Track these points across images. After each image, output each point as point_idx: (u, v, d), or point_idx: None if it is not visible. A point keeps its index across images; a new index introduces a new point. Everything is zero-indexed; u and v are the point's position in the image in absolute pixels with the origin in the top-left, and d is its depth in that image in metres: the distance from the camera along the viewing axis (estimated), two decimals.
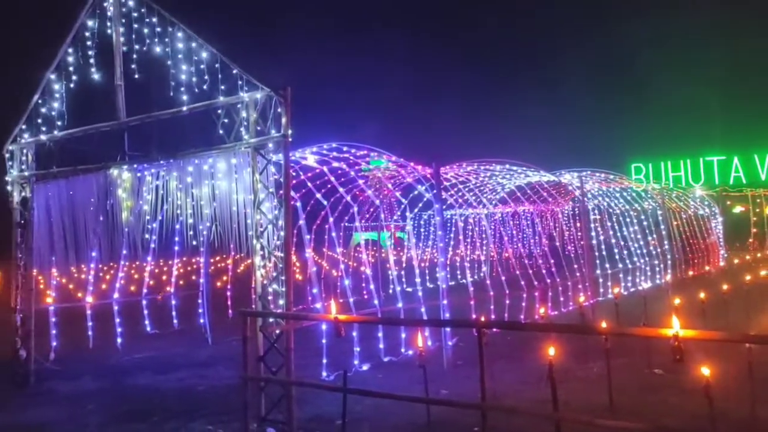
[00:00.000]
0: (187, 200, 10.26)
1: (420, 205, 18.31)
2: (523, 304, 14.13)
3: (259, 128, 8.07)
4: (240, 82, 7.99)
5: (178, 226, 11.56)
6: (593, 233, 18.95)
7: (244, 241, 8.86)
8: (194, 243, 11.34)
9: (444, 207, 14.62)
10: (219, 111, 8.28)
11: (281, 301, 7.74)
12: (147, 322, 14.60)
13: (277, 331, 7.62)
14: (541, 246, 25.03)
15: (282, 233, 7.86)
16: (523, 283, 14.63)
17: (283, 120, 7.83)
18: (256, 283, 8.00)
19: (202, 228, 10.88)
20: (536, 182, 18.46)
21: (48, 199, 10.66)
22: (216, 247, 11.60)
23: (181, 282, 17.71)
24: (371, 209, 21.59)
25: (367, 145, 11.56)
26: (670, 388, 8.19)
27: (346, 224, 19.86)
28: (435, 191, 11.67)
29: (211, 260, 15.85)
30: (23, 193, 10.78)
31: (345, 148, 11.40)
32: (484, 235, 25.13)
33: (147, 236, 11.30)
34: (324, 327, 9.86)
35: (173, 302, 15.36)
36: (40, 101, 10.37)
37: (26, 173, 10.72)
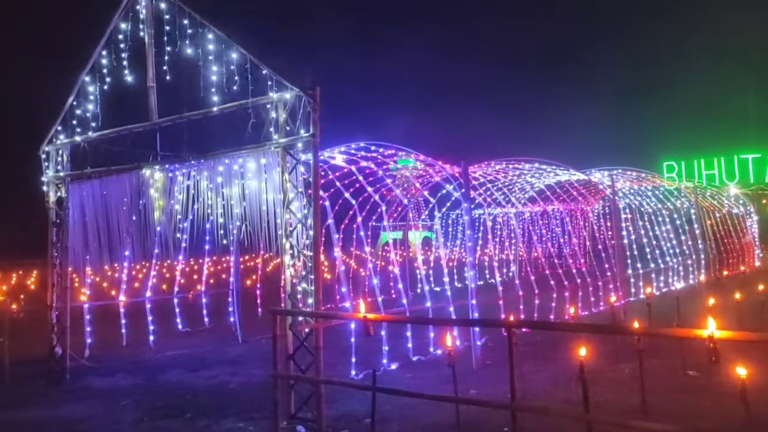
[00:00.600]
0: (218, 200, 10.39)
1: (448, 204, 18.22)
2: (553, 304, 14.01)
3: (288, 128, 8.13)
4: (270, 83, 8.06)
5: (208, 226, 11.73)
6: (624, 232, 18.69)
7: (273, 240, 8.93)
8: (224, 242, 11.46)
9: (472, 206, 14.51)
10: (249, 111, 8.37)
11: (310, 300, 7.80)
12: (178, 320, 14.84)
13: (306, 330, 7.67)
14: (570, 245, 24.80)
15: (311, 232, 7.91)
16: (552, 282, 14.50)
17: (312, 120, 7.87)
18: (286, 281, 8.07)
19: (232, 227, 11.00)
20: (566, 181, 18.28)
21: (82, 199, 10.89)
22: (246, 246, 11.74)
23: (211, 281, 17.94)
24: (399, 208, 21.61)
25: (395, 144, 11.58)
26: (704, 391, 8.04)
27: (374, 224, 19.89)
28: (463, 190, 11.63)
29: (241, 259, 16.03)
30: (59, 193, 11.03)
31: (373, 148, 11.42)
32: (512, 235, 25.00)
33: (178, 235, 11.47)
34: (353, 326, 9.89)
35: (204, 301, 15.61)
36: (74, 103, 10.59)
37: (61, 173, 10.95)
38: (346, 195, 12.91)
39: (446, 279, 13.24)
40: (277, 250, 8.79)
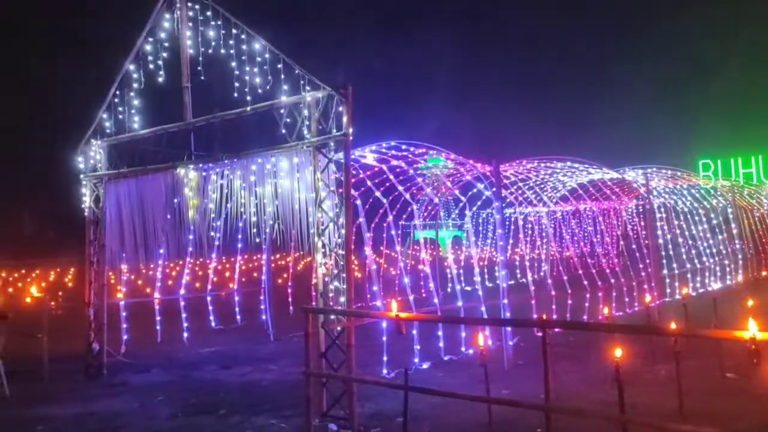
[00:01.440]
0: (251, 199, 10.44)
1: (479, 203, 18.10)
2: (586, 304, 13.83)
3: (320, 127, 8.17)
4: (302, 82, 8.11)
5: (241, 224, 11.83)
6: (659, 232, 18.36)
7: (305, 239, 8.97)
8: (257, 241, 11.53)
9: (503, 205, 14.41)
10: (281, 111, 8.44)
11: (342, 299, 7.83)
12: (212, 317, 15.03)
13: (338, 328, 7.70)
14: (603, 245, 24.49)
15: (343, 231, 7.94)
16: (585, 282, 14.31)
17: (344, 119, 7.90)
18: (318, 280, 8.12)
19: (265, 226, 11.08)
20: (599, 180, 17.98)
21: (119, 198, 11.05)
22: (278, 245, 11.84)
23: (243, 279, 18.14)
24: (429, 207, 21.55)
25: (425, 143, 11.55)
26: (743, 393, 7.86)
27: (404, 222, 19.82)
28: (495, 189, 11.56)
29: (273, 258, 16.15)
30: (96, 192, 11.25)
31: (404, 147, 11.40)
32: (544, 234, 24.74)
33: (212, 234, 11.59)
34: (384, 325, 9.90)
35: (236, 299, 15.78)
36: (112, 102, 10.76)
37: (99, 173, 11.18)
38: (377, 194, 12.93)
39: (477, 278, 13.17)
40: (309, 248, 8.82)
